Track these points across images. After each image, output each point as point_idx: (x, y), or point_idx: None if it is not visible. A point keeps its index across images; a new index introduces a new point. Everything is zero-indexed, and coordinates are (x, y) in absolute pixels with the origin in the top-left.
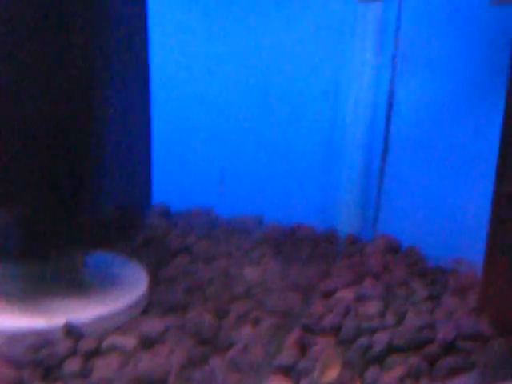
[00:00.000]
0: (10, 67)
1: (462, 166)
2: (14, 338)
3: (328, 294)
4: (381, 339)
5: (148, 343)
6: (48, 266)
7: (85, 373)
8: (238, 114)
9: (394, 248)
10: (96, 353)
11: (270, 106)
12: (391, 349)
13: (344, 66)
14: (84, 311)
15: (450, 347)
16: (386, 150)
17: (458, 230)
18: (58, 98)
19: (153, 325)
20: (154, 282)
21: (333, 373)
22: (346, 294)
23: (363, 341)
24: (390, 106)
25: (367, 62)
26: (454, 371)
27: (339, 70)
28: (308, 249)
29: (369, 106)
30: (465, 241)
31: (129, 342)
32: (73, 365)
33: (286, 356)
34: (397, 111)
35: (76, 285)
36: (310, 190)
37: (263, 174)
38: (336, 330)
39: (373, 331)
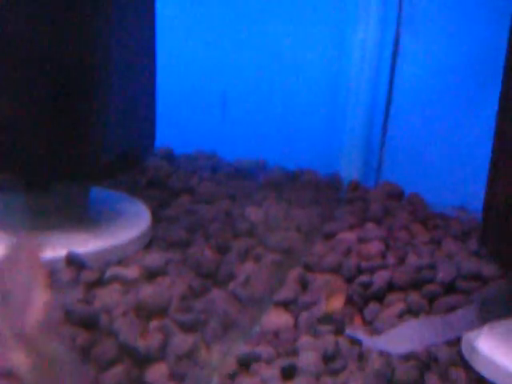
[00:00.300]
0: (19, 12)
1: (465, 114)
2: None
3: (330, 236)
4: (381, 277)
5: (149, 274)
6: (52, 200)
7: (87, 301)
8: (242, 56)
9: (396, 194)
10: (98, 283)
11: (277, 52)
12: (391, 287)
13: (350, 16)
14: (87, 244)
15: (449, 287)
16: (389, 97)
17: (460, 178)
18: (64, 40)
19: (155, 258)
20: (157, 220)
21: (337, 303)
22: (348, 236)
23: (363, 278)
24: (395, 54)
25: (373, 12)
26: (453, 310)
27: (345, 20)
28: (311, 193)
29: (374, 54)
30: (467, 189)
31: (131, 273)
32: (75, 293)
33: (287, 291)
34: (402, 59)
35: (79, 219)
36: (313, 135)
37: (267, 118)
38: (337, 268)
39: (373, 270)
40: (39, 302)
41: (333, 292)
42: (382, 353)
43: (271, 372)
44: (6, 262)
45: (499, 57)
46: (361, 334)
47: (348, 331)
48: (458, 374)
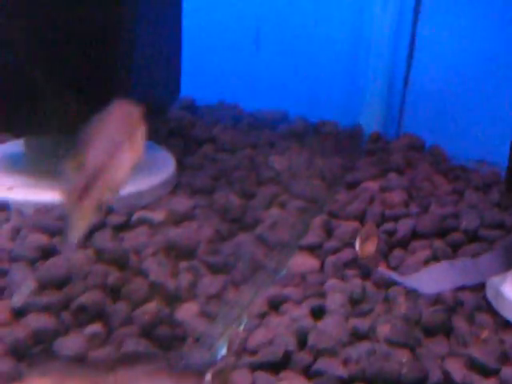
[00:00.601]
0: None
1: (488, 66)
2: (42, 209)
3: (353, 185)
4: (405, 225)
5: (176, 218)
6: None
7: (115, 242)
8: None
9: (417, 146)
10: (125, 226)
11: (300, 4)
12: (415, 234)
13: None
14: None
15: (473, 235)
16: (412, 49)
17: (481, 132)
18: None
19: (181, 203)
20: (181, 168)
21: (370, 248)
22: (371, 185)
23: (388, 226)
24: (418, 5)
25: None
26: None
27: None
28: (333, 143)
29: (397, 6)
30: (487, 142)
31: (157, 216)
32: (103, 235)
33: (312, 236)
34: (425, 11)
35: None
36: (335, 86)
37: (289, 70)
38: (360, 216)
39: (397, 218)
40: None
41: (366, 237)
42: (409, 295)
43: (300, 311)
44: (99, 121)
45: None
46: (394, 274)
47: (380, 269)
48: (483, 318)
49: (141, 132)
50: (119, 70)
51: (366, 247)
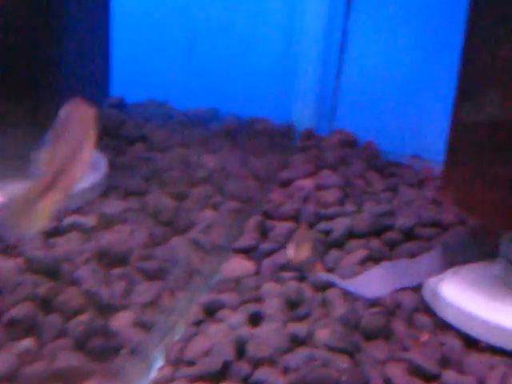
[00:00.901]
0: None
1: (421, 62)
2: None
3: (286, 183)
4: (341, 224)
5: (108, 222)
6: (9, 148)
7: (47, 249)
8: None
9: (350, 142)
10: (56, 231)
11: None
12: (351, 234)
13: None
14: None
15: (409, 234)
16: (343, 45)
17: (415, 129)
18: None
19: (113, 206)
20: (112, 169)
21: (305, 252)
22: (305, 183)
23: (323, 225)
24: (349, 2)
25: None
26: (414, 256)
27: None
28: (265, 141)
29: (328, 2)
30: (420, 138)
31: (89, 220)
32: (34, 242)
33: (247, 238)
34: (356, 5)
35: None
36: (266, 83)
37: (218, 67)
38: (295, 216)
39: (332, 217)
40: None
41: (301, 241)
42: (346, 297)
43: (237, 318)
44: (63, 119)
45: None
46: (333, 277)
47: (321, 274)
48: (422, 320)
49: (94, 132)
50: (47, 68)
51: (300, 252)
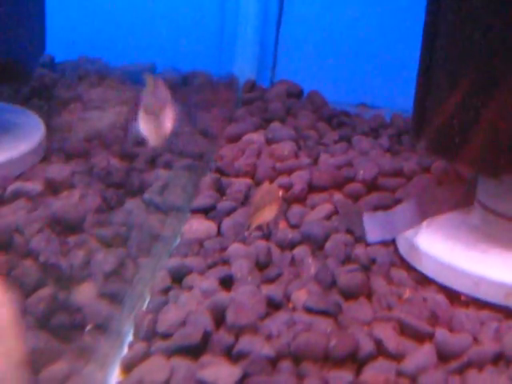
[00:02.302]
0: None
1: (366, 9)
2: None
3: (235, 138)
4: (300, 178)
5: (55, 188)
6: None
7: None
8: None
9: (295, 93)
10: (1, 200)
11: None
12: (312, 187)
13: None
14: None
15: (372, 184)
16: None
17: (360, 77)
18: None
19: (57, 170)
20: (50, 131)
21: (270, 213)
22: (255, 137)
23: (282, 180)
24: None
25: None
26: (380, 208)
27: None
28: (207, 95)
29: None
30: (367, 87)
31: (34, 187)
32: None
33: (204, 197)
34: None
35: None
36: (204, 35)
37: (152, 19)
38: (251, 171)
39: (290, 171)
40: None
41: (267, 202)
42: (315, 255)
43: (208, 284)
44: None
45: None
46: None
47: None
48: (400, 275)
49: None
50: None
51: (266, 213)
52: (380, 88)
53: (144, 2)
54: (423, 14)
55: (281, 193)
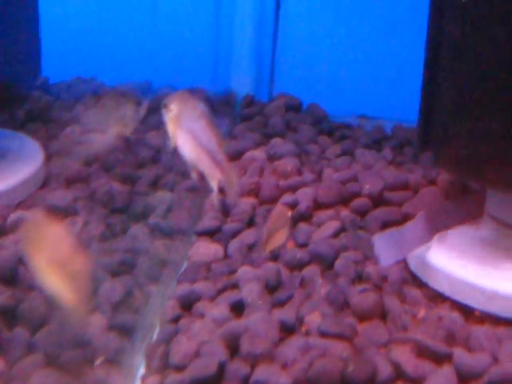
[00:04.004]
0: None
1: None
2: None
3: (236, 156)
4: (305, 195)
5: (57, 215)
6: None
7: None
8: None
9: (294, 106)
10: (3, 230)
11: None
12: (317, 204)
13: None
14: None
15: (378, 199)
16: (278, 6)
17: (359, 88)
18: None
19: (59, 196)
20: (48, 155)
21: (281, 238)
22: (257, 154)
23: (287, 198)
24: None
25: None
26: (388, 224)
27: None
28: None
29: None
30: (367, 98)
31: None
32: None
33: (209, 219)
34: None
35: None
36: (200, 51)
37: (149, 37)
38: (255, 190)
39: (294, 188)
40: None
41: (279, 227)
42: (325, 274)
43: (219, 310)
44: None
45: None
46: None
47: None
48: (413, 293)
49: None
50: None
51: (276, 237)
52: (379, 99)
53: (139, 19)
54: (422, 24)
55: (290, 214)
